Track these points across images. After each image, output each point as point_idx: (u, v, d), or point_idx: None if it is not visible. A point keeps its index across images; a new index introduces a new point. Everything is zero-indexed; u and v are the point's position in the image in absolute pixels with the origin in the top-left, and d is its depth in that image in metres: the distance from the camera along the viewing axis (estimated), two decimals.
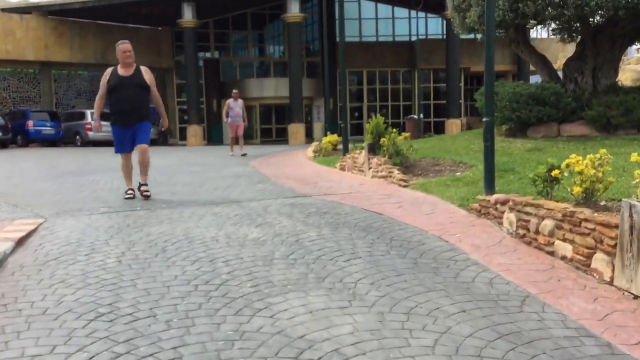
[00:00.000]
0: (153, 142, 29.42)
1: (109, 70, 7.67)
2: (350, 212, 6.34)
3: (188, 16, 28.56)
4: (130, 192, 7.55)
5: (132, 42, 28.27)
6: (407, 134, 19.94)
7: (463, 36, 30.25)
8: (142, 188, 7.50)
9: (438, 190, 7.32)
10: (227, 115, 16.63)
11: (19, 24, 28.80)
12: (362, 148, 10.39)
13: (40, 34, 29.42)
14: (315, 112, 37.67)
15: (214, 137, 34.65)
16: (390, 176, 8.46)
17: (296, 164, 12.68)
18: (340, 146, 15.58)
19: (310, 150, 15.10)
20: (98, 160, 15.82)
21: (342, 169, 10.71)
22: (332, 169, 11.19)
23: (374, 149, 9.49)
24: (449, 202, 6.68)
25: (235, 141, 17.16)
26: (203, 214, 6.31)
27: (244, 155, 16.12)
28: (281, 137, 37.17)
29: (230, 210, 6.51)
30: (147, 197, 7.39)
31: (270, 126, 37.47)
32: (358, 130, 38.48)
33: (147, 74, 7.61)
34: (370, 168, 9.30)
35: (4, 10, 28.91)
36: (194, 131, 29.28)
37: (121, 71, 7.57)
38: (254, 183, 9.05)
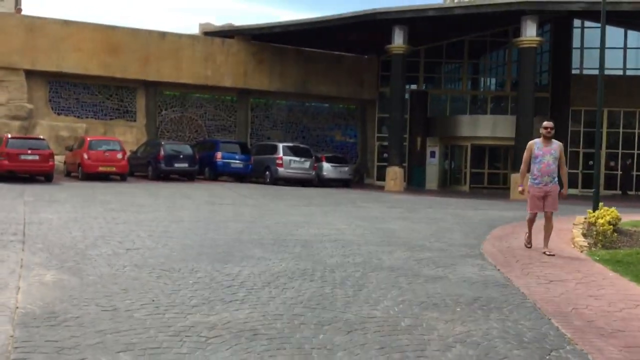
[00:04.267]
0: (347, 182, 25.93)
1: None
2: None
3: (398, 41, 24.58)
4: None
5: (333, 70, 24.48)
6: None
7: None
8: None
9: None
10: (527, 170, 8.54)
11: (219, 48, 27.20)
12: None
13: (240, 59, 27.57)
14: None
15: (414, 180, 30.12)
16: None
17: (572, 267, 7.46)
18: (620, 224, 10.01)
19: (577, 233, 9.75)
20: (273, 217, 12.07)
21: None
22: None
23: None
24: None
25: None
26: None
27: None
28: (493, 184, 31.53)
29: None
30: None
31: (482, 171, 31.95)
32: (587, 181, 31.35)
33: None
34: None
35: (206, 33, 27.59)
36: (394, 173, 25.03)
37: None
38: (537, 357, 4.15)
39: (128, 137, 26.14)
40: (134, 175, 23.65)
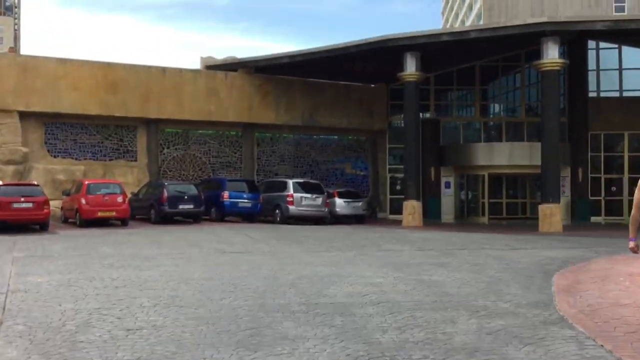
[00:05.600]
0: (361, 218, 24.37)
1: None
2: None
3: (411, 68, 23.36)
4: None
5: (341, 101, 20.20)
6: None
7: None
8: None
9: None
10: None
11: (222, 82, 26.00)
12: None
13: (244, 93, 26.35)
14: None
15: (430, 213, 28.57)
16: None
17: None
18: None
19: None
20: (295, 269, 10.53)
21: None
22: None
23: None
24: None
25: None
26: None
27: None
28: (512, 215, 30.00)
29: None
30: None
31: (500, 200, 30.50)
32: (613, 209, 29.89)
33: None
34: None
35: (208, 67, 26.43)
36: (412, 208, 23.53)
37: None
38: None
39: (129, 178, 24.77)
40: (135, 219, 22.23)
